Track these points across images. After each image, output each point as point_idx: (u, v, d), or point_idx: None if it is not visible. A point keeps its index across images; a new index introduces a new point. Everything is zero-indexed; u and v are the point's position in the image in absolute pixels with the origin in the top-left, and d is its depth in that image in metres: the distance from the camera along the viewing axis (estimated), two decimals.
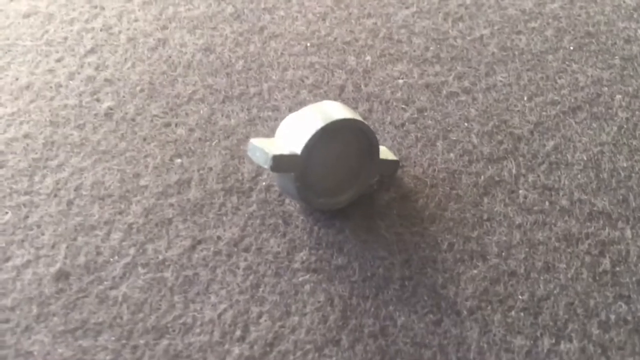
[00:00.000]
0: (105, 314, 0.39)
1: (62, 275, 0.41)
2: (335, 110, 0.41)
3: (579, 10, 0.58)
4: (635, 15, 0.58)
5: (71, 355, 0.38)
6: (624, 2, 0.59)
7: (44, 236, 0.42)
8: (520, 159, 0.48)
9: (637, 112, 0.51)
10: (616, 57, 0.54)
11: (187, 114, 0.49)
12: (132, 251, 0.42)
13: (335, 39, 0.55)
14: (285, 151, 0.40)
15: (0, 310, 0.39)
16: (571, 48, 0.55)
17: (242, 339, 0.39)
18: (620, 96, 0.52)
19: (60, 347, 0.38)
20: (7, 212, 0.43)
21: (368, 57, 0.53)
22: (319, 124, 0.40)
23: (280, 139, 0.41)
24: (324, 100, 0.43)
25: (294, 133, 0.41)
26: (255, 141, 0.40)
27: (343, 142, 0.42)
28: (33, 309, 0.39)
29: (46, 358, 0.38)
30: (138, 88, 0.50)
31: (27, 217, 0.43)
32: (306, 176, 0.41)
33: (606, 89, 0.52)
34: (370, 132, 0.42)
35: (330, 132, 0.41)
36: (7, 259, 0.41)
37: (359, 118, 0.42)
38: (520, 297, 0.41)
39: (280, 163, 0.39)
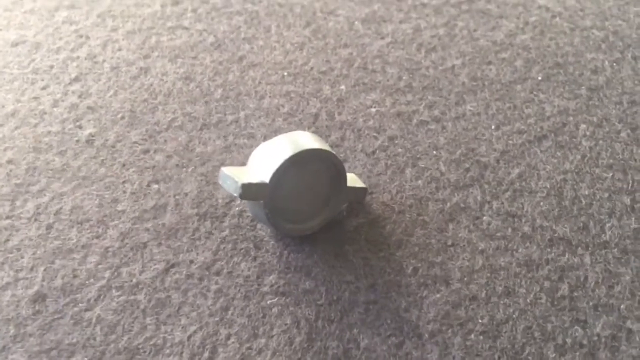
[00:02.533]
0: (79, 335, 0.41)
1: (39, 297, 0.42)
2: (305, 140, 0.43)
3: (548, 41, 0.60)
4: (602, 47, 0.60)
5: None
6: (593, 33, 0.61)
7: (23, 259, 0.44)
8: (486, 186, 0.50)
9: (600, 141, 0.53)
10: (583, 87, 0.56)
11: (165, 140, 0.51)
12: (107, 274, 0.44)
13: (312, 68, 0.57)
14: (254, 180, 0.42)
15: None
16: (539, 78, 0.57)
17: None
18: (585, 125, 0.54)
19: None
20: None
21: (342, 86, 0.55)
22: (287, 154, 0.42)
23: (250, 168, 0.43)
24: (295, 131, 0.45)
25: (263, 162, 0.42)
26: (226, 169, 0.42)
27: (311, 170, 0.44)
28: (10, 329, 0.41)
29: None
30: (119, 115, 0.52)
31: (7, 240, 0.45)
32: (275, 203, 0.43)
33: (572, 118, 0.54)
34: (338, 161, 0.44)
35: (299, 161, 0.42)
36: None
37: (327, 148, 0.44)
38: (480, 320, 0.43)
39: (249, 191, 0.41)
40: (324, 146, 0.44)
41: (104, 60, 0.56)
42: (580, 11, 0.63)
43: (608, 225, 0.48)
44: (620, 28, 0.61)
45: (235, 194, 0.41)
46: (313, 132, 0.52)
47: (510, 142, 0.52)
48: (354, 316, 0.43)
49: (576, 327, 0.43)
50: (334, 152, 0.44)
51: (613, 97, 0.56)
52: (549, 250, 0.46)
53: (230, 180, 0.41)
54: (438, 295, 0.44)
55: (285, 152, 0.42)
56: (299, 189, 0.44)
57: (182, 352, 0.40)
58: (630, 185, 0.50)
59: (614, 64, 0.58)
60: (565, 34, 0.61)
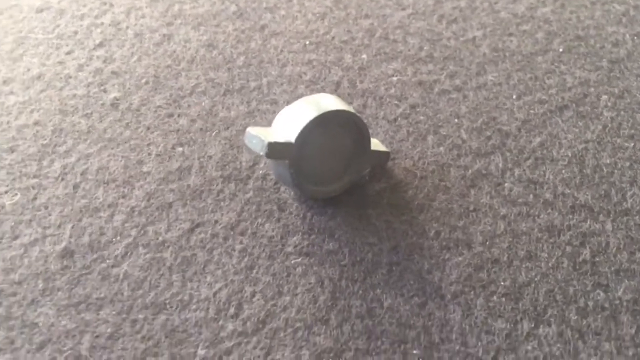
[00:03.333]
0: (107, 290, 0.41)
1: (67, 253, 0.43)
2: (329, 102, 0.44)
3: (569, 14, 0.60)
4: (624, 20, 0.60)
5: (74, 327, 0.40)
6: (614, 7, 0.61)
7: (50, 217, 0.45)
8: (507, 154, 0.50)
9: (622, 112, 0.53)
10: (604, 59, 0.57)
11: (189, 105, 0.51)
12: (133, 232, 0.44)
13: (333, 37, 0.57)
14: (280, 139, 0.42)
15: (8, 284, 0.41)
16: (560, 50, 0.57)
17: (235, 315, 0.41)
18: (606, 96, 0.54)
19: (64, 320, 0.40)
20: (16, 194, 0.45)
21: (364, 56, 0.56)
22: (313, 114, 0.42)
23: (276, 128, 0.43)
24: (319, 93, 0.45)
25: (289, 122, 0.43)
26: (252, 129, 0.42)
27: (336, 132, 0.44)
28: (39, 283, 0.42)
29: (50, 329, 0.40)
30: (143, 80, 0.53)
31: (35, 198, 0.45)
32: (300, 164, 0.43)
33: (593, 89, 0.54)
34: (362, 123, 0.44)
35: (324, 122, 0.43)
36: (16, 237, 0.43)
37: (352, 110, 0.44)
38: (502, 283, 0.43)
39: (275, 150, 0.41)
40: (349, 108, 0.44)
41: (127, 27, 0.56)
42: None
43: (630, 193, 0.48)
44: None
45: (261, 153, 0.41)
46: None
47: (532, 111, 0.52)
48: (377, 277, 0.43)
49: (598, 290, 0.43)
50: (358, 114, 0.44)
51: (634, 70, 0.56)
52: (570, 216, 0.46)
53: (256, 140, 0.42)
54: (460, 258, 0.44)
55: (310, 113, 0.42)
56: (323, 150, 0.44)
57: (208, 308, 0.41)
58: None
59: (635, 38, 0.58)
60: (586, 8, 0.61)
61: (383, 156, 0.47)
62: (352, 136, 0.45)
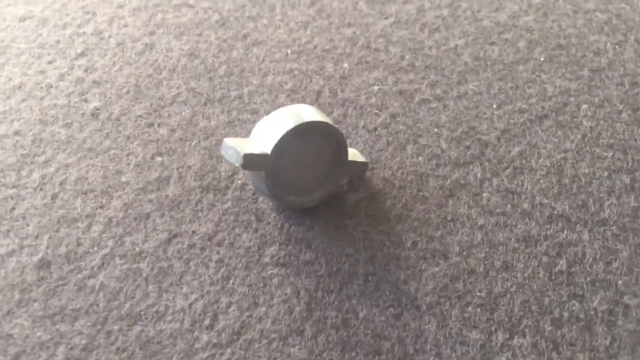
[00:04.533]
0: (82, 301, 0.42)
1: (43, 264, 0.43)
2: (307, 113, 0.44)
3: (551, 23, 0.60)
4: (605, 29, 0.60)
5: (49, 338, 0.40)
6: (596, 16, 0.61)
7: (28, 227, 0.45)
8: (486, 163, 0.50)
9: (601, 121, 0.53)
10: (585, 68, 0.57)
11: (169, 115, 0.51)
12: (110, 243, 0.44)
13: (315, 46, 0.57)
14: (256, 150, 0.42)
15: None
16: (542, 59, 0.57)
17: (210, 327, 0.41)
18: (586, 106, 0.54)
19: (39, 331, 0.40)
20: None
21: (345, 65, 0.56)
22: (290, 125, 0.42)
23: (253, 139, 0.43)
24: (298, 104, 0.46)
25: (266, 133, 0.43)
26: (228, 140, 0.43)
27: (313, 143, 0.44)
28: (15, 294, 0.42)
29: (25, 341, 0.40)
30: (124, 90, 0.53)
31: (13, 209, 0.46)
32: (277, 175, 0.44)
33: (573, 98, 0.54)
34: (339, 134, 0.44)
35: (300, 133, 0.43)
36: None
37: (329, 121, 0.44)
38: (478, 294, 0.43)
39: (251, 161, 0.42)
40: (326, 119, 0.44)
41: (109, 36, 0.56)
42: None
43: (607, 203, 0.48)
44: (623, 11, 0.62)
45: (237, 164, 0.42)
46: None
47: (512, 121, 0.53)
48: (353, 287, 0.43)
49: (573, 301, 0.43)
50: (335, 126, 0.44)
51: (615, 79, 0.56)
52: (547, 226, 0.47)
53: (232, 150, 0.42)
54: (437, 269, 0.44)
55: (287, 124, 0.43)
56: (300, 161, 0.44)
57: (183, 319, 0.41)
58: (630, 164, 0.50)
59: (617, 47, 0.59)
60: (568, 16, 0.61)
61: (361, 167, 0.47)
62: (330, 147, 0.45)
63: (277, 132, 0.42)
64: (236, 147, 0.42)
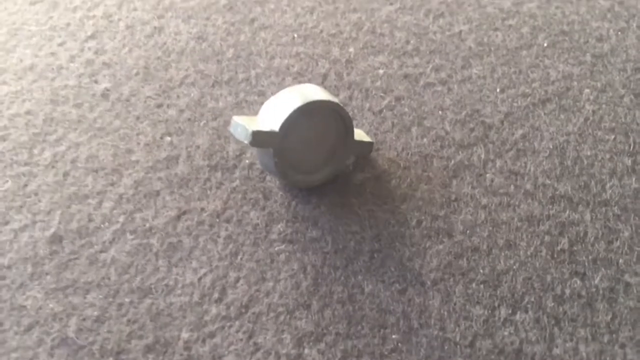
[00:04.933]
0: (94, 274, 0.42)
1: (56, 239, 0.44)
2: (314, 92, 0.45)
3: (554, 9, 0.61)
4: (608, 16, 0.61)
5: (61, 310, 0.41)
6: (599, 3, 0.62)
7: (40, 203, 0.46)
8: (490, 145, 0.51)
9: (603, 106, 0.54)
10: (587, 54, 0.57)
11: (178, 96, 0.52)
12: (121, 219, 0.45)
13: (321, 31, 0.58)
14: (265, 128, 0.43)
15: None
16: (545, 45, 0.58)
17: (219, 300, 0.42)
18: (588, 90, 0.55)
19: (51, 303, 0.41)
20: (7, 181, 0.47)
21: (351, 49, 0.57)
22: (297, 104, 0.43)
23: (261, 118, 0.44)
24: (304, 83, 0.46)
25: (274, 112, 0.44)
26: (237, 118, 0.43)
27: (320, 122, 0.45)
28: (28, 268, 0.43)
29: (38, 312, 0.41)
30: (134, 71, 0.54)
31: (26, 185, 0.46)
32: (284, 153, 0.44)
33: (576, 83, 0.55)
34: (345, 113, 0.45)
35: (307, 112, 0.44)
36: (6, 223, 0.44)
37: (336, 101, 0.45)
38: (481, 271, 0.44)
39: (259, 138, 0.42)
40: (333, 99, 0.45)
41: (119, 19, 0.57)
42: None
43: (609, 184, 0.49)
44: None
45: (245, 141, 0.42)
46: None
47: (515, 104, 0.53)
48: (358, 264, 0.44)
49: (575, 279, 0.44)
50: (342, 105, 0.45)
51: (617, 64, 0.57)
52: (550, 207, 0.47)
53: (240, 128, 0.43)
54: (441, 247, 0.45)
55: (295, 103, 0.43)
56: (307, 139, 0.45)
57: (192, 293, 0.42)
58: (631, 147, 0.51)
59: (619, 33, 0.59)
60: (571, 3, 0.62)
61: (366, 146, 0.48)
62: (336, 126, 0.46)
63: (285, 110, 0.43)
64: (245, 124, 0.43)
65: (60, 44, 0.55)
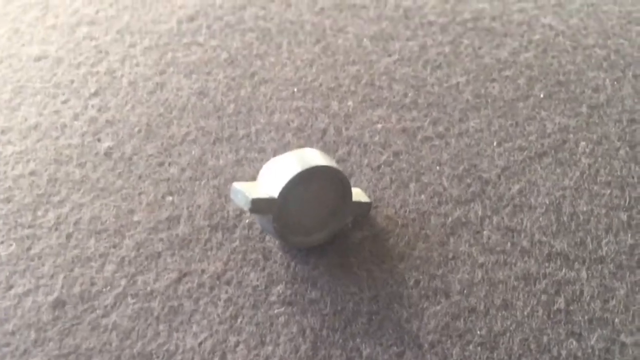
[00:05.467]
0: (96, 340, 0.43)
1: (59, 304, 0.45)
2: (312, 157, 0.45)
3: (551, 59, 0.62)
4: (604, 65, 0.62)
5: None
6: (595, 52, 0.63)
7: (44, 267, 0.46)
8: (487, 201, 0.51)
9: (599, 159, 0.54)
10: (583, 105, 0.58)
11: (180, 154, 0.53)
12: (123, 282, 0.46)
13: (321, 84, 0.59)
14: (264, 195, 0.44)
15: (2, 334, 0.43)
16: (541, 96, 0.59)
17: None
18: (584, 143, 0.55)
19: None
20: (12, 244, 0.47)
21: (350, 102, 0.57)
22: (296, 170, 0.44)
23: (260, 183, 0.45)
24: (303, 148, 0.47)
25: (273, 177, 0.45)
26: (237, 185, 0.44)
27: (318, 186, 0.46)
28: (31, 334, 0.43)
29: None
30: (136, 129, 0.55)
31: (29, 248, 0.47)
32: (283, 217, 0.45)
33: (572, 135, 0.56)
34: (344, 177, 0.46)
35: (306, 178, 0.44)
36: (10, 288, 0.45)
37: (334, 165, 0.46)
38: (478, 332, 0.45)
39: (258, 205, 0.43)
40: (331, 163, 0.46)
41: (122, 75, 0.58)
42: (584, 30, 0.65)
43: (605, 241, 0.49)
44: (622, 47, 0.63)
45: (245, 208, 0.43)
46: (321, 147, 0.54)
47: (512, 158, 0.54)
48: (357, 326, 0.45)
49: (571, 339, 0.44)
50: (340, 169, 0.46)
51: (613, 115, 0.57)
52: (546, 264, 0.48)
53: (240, 195, 0.43)
54: (438, 307, 0.46)
55: (293, 169, 0.44)
56: (306, 203, 0.46)
57: (193, 358, 0.43)
58: (627, 202, 0.51)
59: (615, 83, 0.60)
60: (567, 53, 0.62)
61: (365, 207, 0.49)
62: (335, 189, 0.46)
63: (283, 177, 0.44)
64: (244, 191, 0.43)
65: (64, 102, 0.56)
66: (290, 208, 0.45)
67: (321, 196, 0.46)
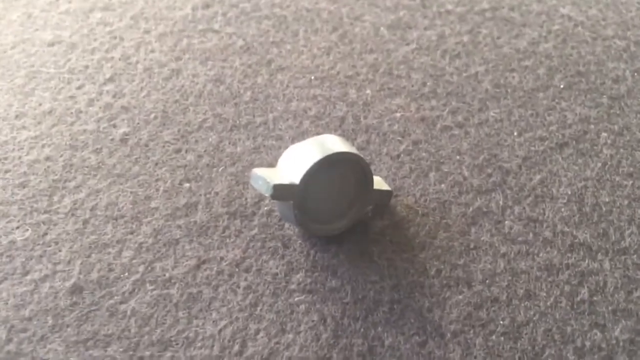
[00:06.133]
0: (114, 326, 0.43)
1: (76, 290, 0.44)
2: (333, 144, 0.45)
3: (570, 50, 0.61)
4: (624, 56, 0.61)
5: None
6: (615, 43, 0.62)
7: (60, 252, 0.46)
8: (508, 191, 0.51)
9: (621, 150, 0.54)
10: (604, 96, 0.57)
11: (196, 141, 0.52)
12: (141, 269, 0.45)
13: (338, 72, 0.58)
14: (285, 181, 0.43)
15: (19, 320, 0.42)
16: (561, 86, 0.58)
17: (239, 353, 0.42)
18: (605, 134, 0.55)
19: (72, 356, 0.41)
20: (27, 229, 0.47)
21: (368, 91, 0.57)
22: (317, 157, 0.43)
23: (281, 169, 0.44)
24: (323, 134, 0.46)
25: (294, 164, 0.44)
26: (257, 171, 0.44)
27: (339, 173, 0.45)
28: (49, 320, 0.43)
29: None
30: (152, 115, 0.54)
31: (45, 234, 0.47)
32: (304, 204, 0.44)
33: (593, 126, 0.55)
34: (365, 164, 0.45)
35: (328, 164, 0.44)
36: (26, 273, 0.45)
37: (355, 151, 0.45)
38: (501, 322, 0.44)
39: (280, 192, 0.42)
40: (352, 149, 0.45)
41: (137, 62, 0.58)
42: (603, 21, 0.64)
43: (628, 232, 0.49)
44: None
45: (266, 194, 0.43)
46: (339, 135, 0.53)
47: (532, 148, 0.53)
48: (378, 315, 0.44)
49: (595, 330, 0.44)
50: (362, 156, 0.45)
51: (634, 107, 0.57)
52: (569, 255, 0.47)
53: (261, 181, 0.43)
54: (460, 297, 0.45)
55: (315, 155, 0.44)
56: (327, 190, 0.45)
57: (213, 346, 0.42)
58: None
59: (635, 74, 0.59)
60: (587, 43, 0.62)
61: (385, 195, 0.48)
62: (356, 176, 0.46)
63: (305, 163, 0.43)
64: (265, 177, 0.43)
65: (79, 87, 0.55)
66: (311, 195, 0.44)
67: (342, 183, 0.45)
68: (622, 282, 0.46)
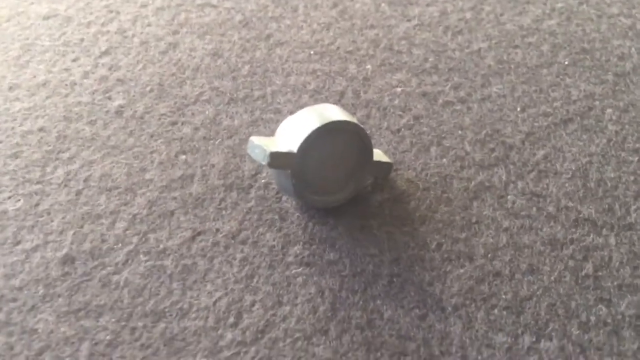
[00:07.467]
0: (107, 297, 0.41)
1: (68, 260, 0.43)
2: (333, 113, 0.44)
3: (575, 27, 0.60)
4: (630, 34, 0.60)
5: (73, 334, 0.40)
6: (620, 20, 0.61)
7: (53, 223, 0.45)
8: (511, 166, 0.50)
9: (626, 126, 0.53)
10: (609, 73, 0.56)
11: (193, 114, 0.51)
12: (135, 240, 0.44)
13: (338, 48, 0.57)
14: (283, 148, 0.42)
15: (9, 289, 0.41)
16: (566, 63, 0.57)
17: (235, 325, 0.41)
18: (611, 110, 0.54)
19: (63, 327, 0.40)
20: (19, 200, 0.46)
21: (368, 66, 0.56)
22: (316, 124, 0.42)
23: (278, 138, 0.43)
24: (322, 103, 0.45)
25: (292, 132, 0.43)
26: (254, 139, 0.42)
27: (338, 143, 0.44)
28: (39, 289, 0.42)
29: (50, 336, 0.40)
30: (148, 88, 0.53)
31: (38, 204, 0.46)
32: (302, 174, 0.43)
33: (598, 102, 0.54)
34: (365, 134, 0.44)
35: (326, 133, 0.43)
36: (18, 243, 0.44)
37: (355, 121, 0.44)
38: (503, 296, 0.43)
39: (277, 160, 0.41)
40: (352, 119, 0.44)
41: (133, 35, 0.57)
42: None
43: (633, 207, 0.48)
44: None
45: (263, 162, 0.42)
46: None
47: (536, 124, 0.52)
48: (377, 288, 0.43)
49: (600, 305, 0.43)
50: (361, 125, 0.44)
51: (639, 84, 0.56)
52: (573, 230, 0.46)
53: (258, 149, 0.42)
54: (462, 271, 0.44)
55: (313, 123, 0.42)
56: (325, 160, 0.44)
57: (207, 317, 0.41)
58: None
59: None
60: (591, 21, 0.61)
61: (385, 167, 0.47)
62: (355, 147, 0.45)
63: (303, 131, 0.42)
64: (262, 145, 0.42)
65: (74, 60, 0.54)
66: (310, 164, 0.43)
67: (341, 153, 0.44)
68: (628, 257, 0.45)
